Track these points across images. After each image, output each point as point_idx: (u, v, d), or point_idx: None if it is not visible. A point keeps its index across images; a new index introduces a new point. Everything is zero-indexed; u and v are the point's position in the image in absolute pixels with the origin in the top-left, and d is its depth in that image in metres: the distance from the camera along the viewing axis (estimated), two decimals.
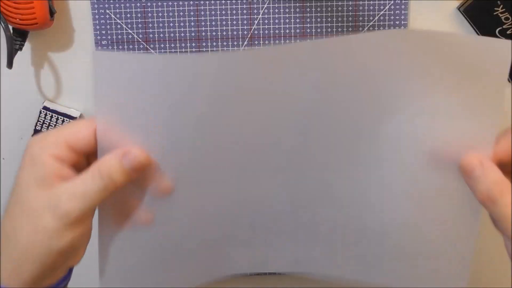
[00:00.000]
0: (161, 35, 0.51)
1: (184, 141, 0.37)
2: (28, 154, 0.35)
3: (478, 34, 0.51)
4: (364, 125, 0.38)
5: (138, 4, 0.50)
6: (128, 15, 0.51)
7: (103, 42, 0.51)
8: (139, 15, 0.51)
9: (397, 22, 0.51)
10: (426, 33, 0.36)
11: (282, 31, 0.51)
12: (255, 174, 0.40)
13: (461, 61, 0.35)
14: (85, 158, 0.37)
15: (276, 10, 0.51)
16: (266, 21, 0.51)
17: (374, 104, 0.37)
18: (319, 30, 0.51)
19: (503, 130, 0.36)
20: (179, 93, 0.35)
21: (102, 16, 0.50)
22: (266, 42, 0.51)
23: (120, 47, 0.51)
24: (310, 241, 0.42)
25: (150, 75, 0.35)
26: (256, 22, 0.51)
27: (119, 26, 0.51)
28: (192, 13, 0.51)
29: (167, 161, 0.37)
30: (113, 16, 0.51)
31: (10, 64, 0.48)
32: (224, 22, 0.51)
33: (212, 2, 0.50)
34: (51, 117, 0.52)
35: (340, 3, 0.50)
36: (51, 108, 0.52)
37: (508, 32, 0.50)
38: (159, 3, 0.50)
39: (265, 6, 0.50)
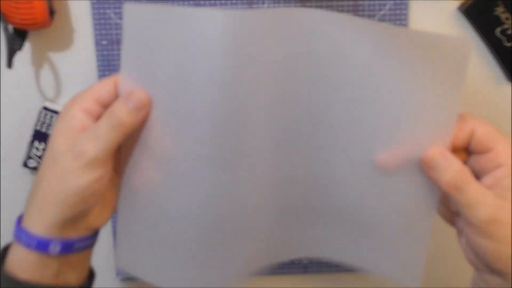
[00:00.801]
0: None
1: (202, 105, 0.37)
2: (62, 109, 0.39)
3: (478, 34, 0.51)
4: (336, 111, 0.39)
5: None
6: None
7: (103, 42, 0.51)
8: None
9: (397, 22, 0.51)
10: (393, 29, 0.39)
11: None
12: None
13: (424, 56, 0.37)
14: None
15: None
16: None
17: (349, 93, 0.39)
18: None
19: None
20: (201, 51, 0.36)
21: (102, 16, 0.50)
22: None
23: (120, 47, 0.51)
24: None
25: (177, 30, 0.36)
26: None
27: (119, 26, 0.51)
28: None
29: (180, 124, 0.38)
30: (113, 16, 0.51)
31: (10, 64, 0.48)
32: None
33: (212, 2, 0.50)
34: (51, 117, 0.52)
35: (340, 3, 0.50)
36: (51, 108, 0.52)
37: (508, 32, 0.50)
38: (159, 3, 0.50)
39: (265, 6, 0.50)
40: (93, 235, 0.40)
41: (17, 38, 0.48)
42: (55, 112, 0.52)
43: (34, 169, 0.53)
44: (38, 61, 0.52)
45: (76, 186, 0.36)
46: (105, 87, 0.38)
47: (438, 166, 0.37)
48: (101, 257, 0.54)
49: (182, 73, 0.37)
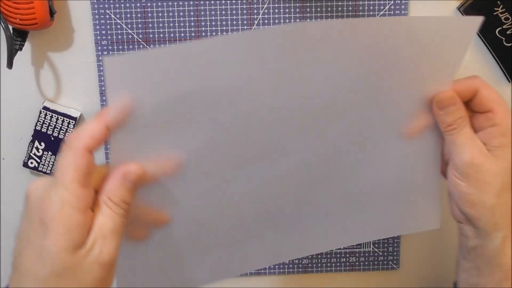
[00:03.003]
0: (161, 35, 0.51)
1: (195, 135, 0.37)
2: (46, 216, 0.33)
3: (478, 34, 0.51)
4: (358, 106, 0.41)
5: (138, 4, 0.50)
6: (128, 15, 0.51)
7: (103, 42, 0.51)
8: (139, 15, 0.51)
9: None
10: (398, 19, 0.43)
11: None
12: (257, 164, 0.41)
13: (429, 39, 0.39)
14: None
15: (276, 10, 0.51)
16: (266, 21, 0.51)
17: (367, 87, 0.40)
18: None
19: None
20: (185, 85, 0.35)
21: (102, 16, 0.50)
22: None
23: (120, 47, 0.51)
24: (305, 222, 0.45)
25: (159, 71, 0.34)
26: (256, 22, 0.51)
27: (119, 26, 0.51)
28: (192, 13, 0.51)
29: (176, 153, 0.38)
30: (113, 16, 0.51)
31: (10, 64, 0.48)
32: (224, 22, 0.51)
33: (212, 2, 0.50)
34: (51, 117, 0.52)
35: (340, 3, 0.50)
36: (51, 108, 0.52)
37: (508, 32, 0.50)
38: (159, 3, 0.50)
39: (265, 6, 0.50)
40: None
41: (17, 38, 0.48)
42: (55, 112, 0.52)
43: (34, 169, 0.53)
44: (38, 61, 0.52)
45: None
46: (78, 159, 0.34)
47: (447, 108, 0.41)
48: None
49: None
